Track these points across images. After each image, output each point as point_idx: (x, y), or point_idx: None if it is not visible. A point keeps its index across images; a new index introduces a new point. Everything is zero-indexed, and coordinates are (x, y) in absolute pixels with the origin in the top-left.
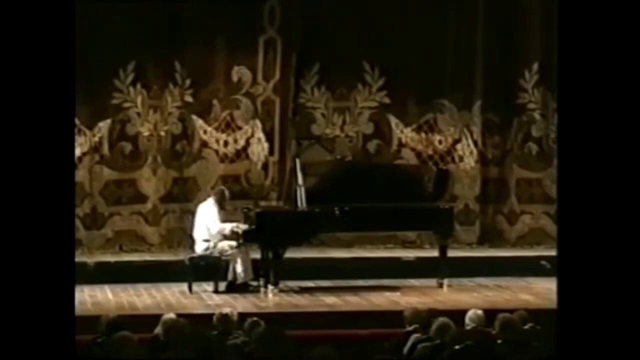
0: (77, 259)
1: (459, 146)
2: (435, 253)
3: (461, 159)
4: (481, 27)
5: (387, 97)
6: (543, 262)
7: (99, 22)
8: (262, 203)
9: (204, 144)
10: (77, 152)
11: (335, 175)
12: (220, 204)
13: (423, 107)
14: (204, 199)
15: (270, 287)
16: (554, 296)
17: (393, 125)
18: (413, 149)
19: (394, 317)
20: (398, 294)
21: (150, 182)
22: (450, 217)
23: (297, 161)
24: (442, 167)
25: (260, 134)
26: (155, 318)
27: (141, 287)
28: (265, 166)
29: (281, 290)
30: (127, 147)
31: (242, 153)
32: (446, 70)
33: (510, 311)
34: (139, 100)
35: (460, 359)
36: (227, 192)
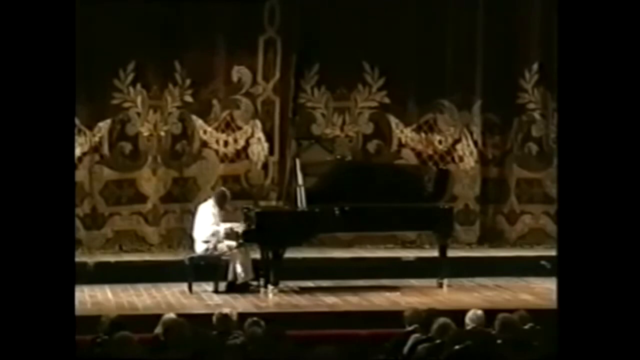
0: (77, 259)
1: (459, 146)
2: (435, 253)
3: (461, 159)
4: (481, 27)
5: (387, 97)
6: (543, 262)
7: (99, 22)
8: (262, 203)
9: (204, 144)
10: (77, 152)
11: (335, 175)
12: (220, 204)
13: (423, 107)
14: (205, 200)
15: (270, 287)
16: (554, 296)
17: (393, 125)
18: (413, 149)
19: (394, 317)
20: (398, 294)
21: (150, 182)
22: (450, 217)
23: (297, 161)
24: (442, 167)
25: (260, 134)
26: (155, 318)
27: (141, 287)
28: (265, 166)
29: (281, 290)
30: (127, 147)
31: (242, 153)
32: (446, 70)
33: (510, 311)
34: (139, 100)
35: (460, 359)
36: (228, 193)
